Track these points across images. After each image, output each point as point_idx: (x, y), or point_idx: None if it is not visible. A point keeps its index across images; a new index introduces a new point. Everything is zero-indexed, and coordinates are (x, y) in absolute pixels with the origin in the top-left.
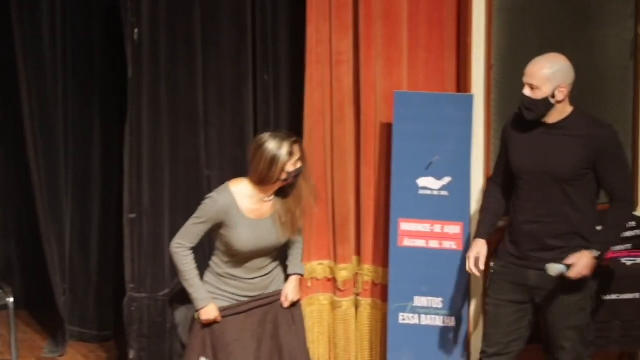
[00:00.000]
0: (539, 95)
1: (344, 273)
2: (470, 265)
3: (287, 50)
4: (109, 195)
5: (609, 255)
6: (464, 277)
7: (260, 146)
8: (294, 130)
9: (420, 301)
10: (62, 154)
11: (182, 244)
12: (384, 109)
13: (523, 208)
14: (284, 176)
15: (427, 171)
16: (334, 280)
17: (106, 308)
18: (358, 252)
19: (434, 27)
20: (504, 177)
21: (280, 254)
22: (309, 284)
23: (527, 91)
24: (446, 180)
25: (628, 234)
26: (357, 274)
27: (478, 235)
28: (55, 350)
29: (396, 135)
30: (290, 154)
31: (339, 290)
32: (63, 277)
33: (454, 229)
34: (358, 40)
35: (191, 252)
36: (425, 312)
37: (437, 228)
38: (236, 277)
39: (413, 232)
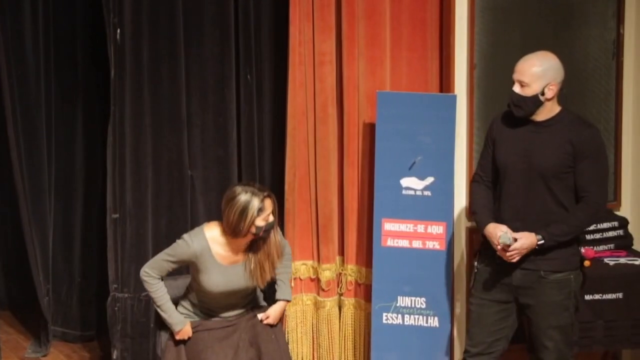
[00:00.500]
0: (528, 92)
1: (327, 273)
2: (508, 236)
3: (270, 50)
4: (92, 196)
5: (592, 255)
6: (448, 277)
7: (232, 199)
8: (276, 131)
9: (403, 301)
10: (45, 155)
11: (149, 274)
12: (366, 109)
13: (507, 205)
14: (253, 230)
15: (410, 171)
16: (317, 280)
17: (89, 308)
18: (341, 252)
19: (416, 27)
20: (489, 175)
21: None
22: (292, 284)
23: (516, 88)
24: (429, 180)
25: (610, 234)
26: (340, 274)
27: (485, 222)
28: (39, 350)
29: (379, 136)
30: (260, 209)
31: (323, 290)
32: (46, 277)
33: (437, 229)
34: (341, 41)
35: (160, 279)
36: (409, 312)
37: (421, 228)
38: (211, 310)
39: (396, 232)
